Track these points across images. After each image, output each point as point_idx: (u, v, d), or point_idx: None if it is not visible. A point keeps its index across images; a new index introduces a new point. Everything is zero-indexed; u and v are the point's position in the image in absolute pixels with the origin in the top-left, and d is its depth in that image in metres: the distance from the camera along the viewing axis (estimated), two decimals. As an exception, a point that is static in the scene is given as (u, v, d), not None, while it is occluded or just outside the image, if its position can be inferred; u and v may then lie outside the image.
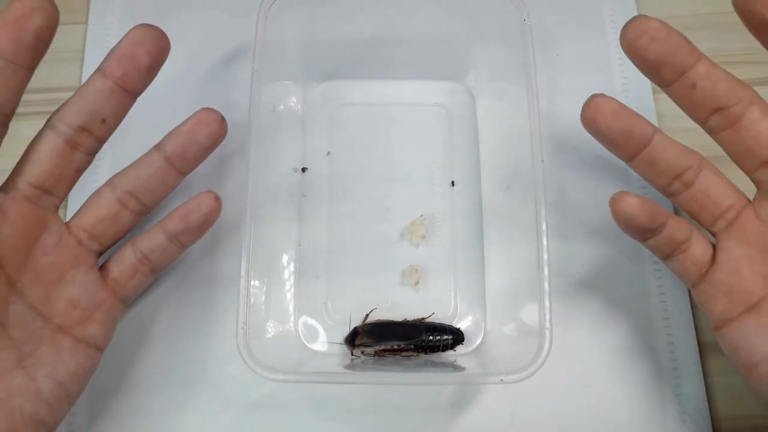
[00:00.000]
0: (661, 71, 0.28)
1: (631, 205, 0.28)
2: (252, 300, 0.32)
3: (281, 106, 0.41)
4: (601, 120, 0.28)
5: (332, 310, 0.37)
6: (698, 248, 0.30)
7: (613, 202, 0.29)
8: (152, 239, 0.32)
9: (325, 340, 0.36)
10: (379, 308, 0.37)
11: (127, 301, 0.32)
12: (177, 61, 0.42)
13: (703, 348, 0.36)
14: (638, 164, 0.30)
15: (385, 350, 0.35)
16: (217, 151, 0.40)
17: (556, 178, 0.39)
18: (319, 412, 0.35)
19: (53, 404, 0.28)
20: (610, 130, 0.28)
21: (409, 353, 0.35)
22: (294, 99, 0.41)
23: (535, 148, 0.33)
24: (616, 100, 0.29)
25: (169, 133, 0.32)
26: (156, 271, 0.33)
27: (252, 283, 0.32)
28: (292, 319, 0.37)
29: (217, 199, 0.32)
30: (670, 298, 0.37)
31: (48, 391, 0.28)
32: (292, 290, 0.37)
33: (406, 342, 0.35)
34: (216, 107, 0.41)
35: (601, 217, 0.39)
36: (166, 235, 0.32)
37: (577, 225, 0.38)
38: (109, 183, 0.32)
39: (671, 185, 0.30)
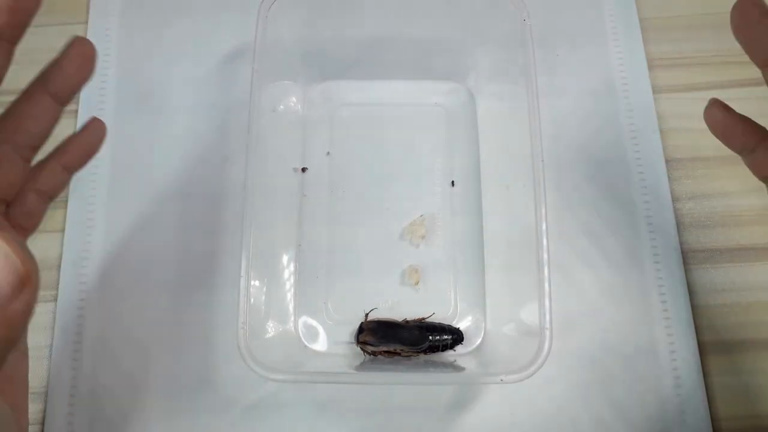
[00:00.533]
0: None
1: (714, 118, 0.29)
2: (252, 300, 0.32)
3: (281, 106, 0.41)
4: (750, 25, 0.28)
5: (332, 310, 0.37)
6: None
7: (705, 110, 0.29)
8: (54, 177, 0.31)
9: (325, 341, 0.36)
10: (379, 308, 0.37)
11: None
12: (177, 61, 0.42)
13: (703, 348, 0.36)
14: None
15: (386, 351, 0.35)
16: (217, 150, 0.40)
17: (556, 178, 0.39)
18: (319, 412, 0.35)
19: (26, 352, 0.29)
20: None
21: (410, 353, 0.35)
22: (294, 99, 0.41)
23: (535, 148, 0.33)
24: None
25: (51, 72, 0.29)
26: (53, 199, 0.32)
27: (252, 283, 0.32)
28: (292, 319, 0.37)
29: (103, 124, 0.32)
30: (670, 298, 0.37)
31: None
32: (292, 290, 0.37)
33: (410, 348, 0.35)
34: (216, 107, 0.41)
35: (601, 217, 0.39)
36: (66, 170, 0.32)
37: (577, 225, 0.38)
38: (9, 142, 0.29)
39: None
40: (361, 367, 0.35)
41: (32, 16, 0.26)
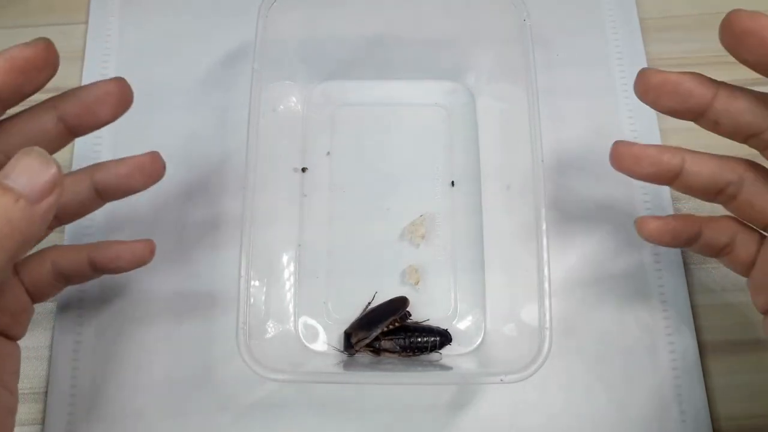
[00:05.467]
0: (680, 116, 0.28)
1: (652, 229, 0.30)
2: (252, 300, 0.32)
3: (281, 106, 0.41)
4: (626, 168, 0.30)
5: (332, 310, 0.37)
6: (743, 251, 0.31)
7: (638, 228, 0.31)
8: (73, 261, 0.31)
9: (325, 340, 0.36)
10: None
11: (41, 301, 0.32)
12: (177, 61, 0.42)
13: (703, 348, 0.36)
14: (677, 188, 0.30)
15: (383, 349, 0.35)
16: (217, 150, 0.40)
17: (556, 178, 0.39)
18: (319, 412, 0.35)
19: (15, 392, 0.29)
20: (636, 173, 0.30)
21: (397, 354, 0.35)
22: (294, 99, 0.41)
23: (535, 148, 0.33)
24: (634, 145, 0.30)
25: (103, 166, 0.31)
26: (70, 284, 0.32)
27: (252, 283, 0.32)
28: (292, 319, 0.37)
29: (152, 252, 0.32)
30: (670, 297, 0.37)
31: (13, 384, 0.29)
32: (292, 290, 0.37)
33: (395, 316, 0.35)
34: (216, 107, 0.41)
35: (601, 217, 0.39)
36: (91, 267, 0.32)
37: (577, 225, 0.38)
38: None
39: (715, 199, 0.30)
40: (361, 367, 0.35)
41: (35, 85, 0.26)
